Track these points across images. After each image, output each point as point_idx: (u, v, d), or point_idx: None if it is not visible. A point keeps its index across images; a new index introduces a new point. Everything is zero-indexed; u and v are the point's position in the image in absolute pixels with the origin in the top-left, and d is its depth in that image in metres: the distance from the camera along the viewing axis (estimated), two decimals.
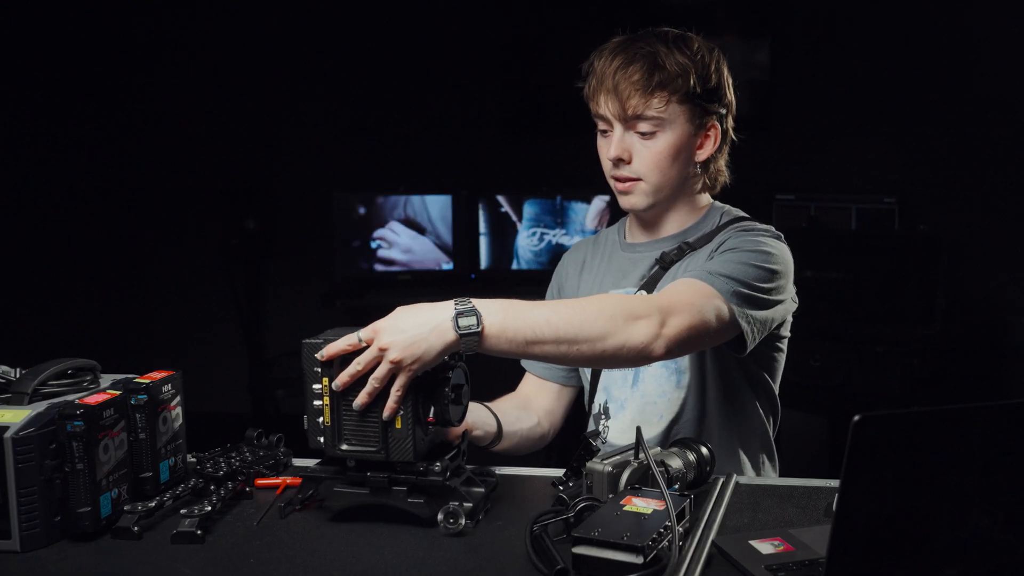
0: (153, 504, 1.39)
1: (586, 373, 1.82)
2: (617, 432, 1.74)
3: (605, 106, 1.64)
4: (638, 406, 1.72)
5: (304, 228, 4.60)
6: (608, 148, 1.66)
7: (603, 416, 1.77)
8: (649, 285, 1.68)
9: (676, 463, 1.42)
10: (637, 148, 1.64)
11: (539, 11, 4.49)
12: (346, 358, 1.34)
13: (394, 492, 1.37)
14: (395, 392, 1.32)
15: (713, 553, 1.25)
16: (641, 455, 1.38)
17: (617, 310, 1.40)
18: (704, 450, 1.48)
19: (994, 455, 0.98)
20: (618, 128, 1.65)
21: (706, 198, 1.76)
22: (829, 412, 3.42)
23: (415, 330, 1.33)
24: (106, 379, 1.48)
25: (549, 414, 1.84)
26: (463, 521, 1.33)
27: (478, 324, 1.32)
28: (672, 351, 1.43)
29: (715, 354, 1.66)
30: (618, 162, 1.65)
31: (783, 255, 1.63)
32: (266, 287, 4.76)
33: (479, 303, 1.34)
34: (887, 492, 0.96)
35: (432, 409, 1.35)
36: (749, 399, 1.73)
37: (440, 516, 1.33)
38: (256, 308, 4.75)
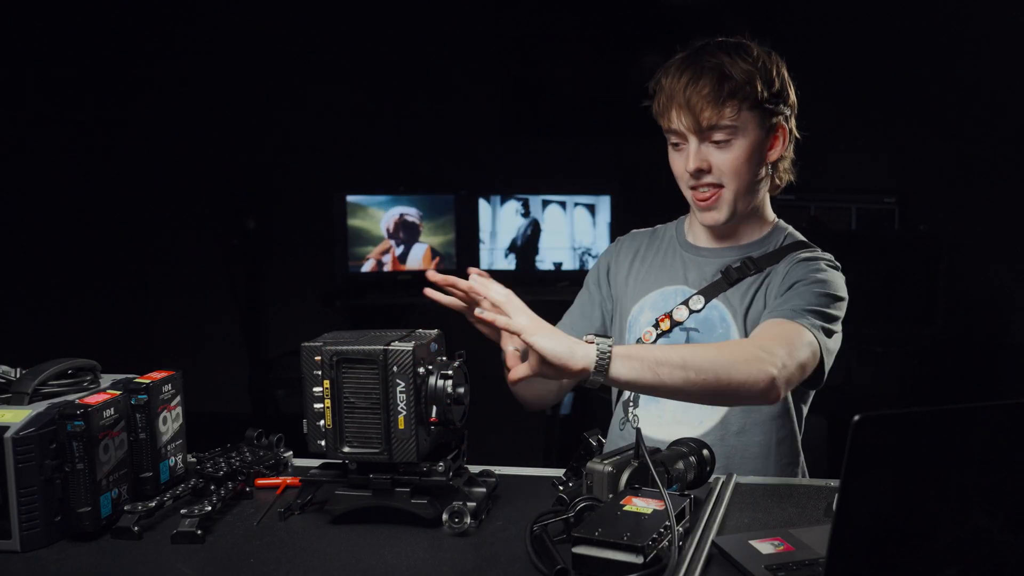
0: (153, 504, 1.39)
1: None
2: (649, 424, 1.74)
3: (678, 121, 1.67)
4: (680, 405, 1.70)
5: (304, 228, 4.60)
6: (685, 161, 1.69)
7: (632, 404, 1.78)
8: (709, 293, 1.72)
9: (676, 463, 1.42)
10: (714, 157, 1.68)
11: (540, 11, 4.49)
12: (349, 360, 1.34)
13: (397, 493, 1.37)
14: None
15: (713, 553, 1.25)
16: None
17: (740, 351, 1.50)
18: (704, 450, 1.48)
19: (994, 455, 0.98)
20: (693, 141, 1.68)
21: (770, 212, 1.81)
22: (829, 412, 3.42)
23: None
24: (106, 379, 1.49)
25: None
26: (468, 520, 1.33)
27: (609, 346, 1.39)
28: (785, 392, 1.51)
29: None
30: (698, 173, 1.69)
31: (843, 285, 1.70)
32: (266, 287, 4.76)
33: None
34: (887, 492, 0.96)
35: (434, 409, 1.35)
36: (790, 416, 1.75)
37: (445, 516, 1.34)
38: (256, 308, 4.75)
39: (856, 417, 0.92)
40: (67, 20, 4.44)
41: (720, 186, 1.69)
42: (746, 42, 1.73)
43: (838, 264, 1.73)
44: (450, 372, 1.36)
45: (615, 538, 1.17)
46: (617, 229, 4.14)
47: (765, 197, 1.78)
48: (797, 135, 1.77)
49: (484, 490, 1.41)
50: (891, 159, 4.09)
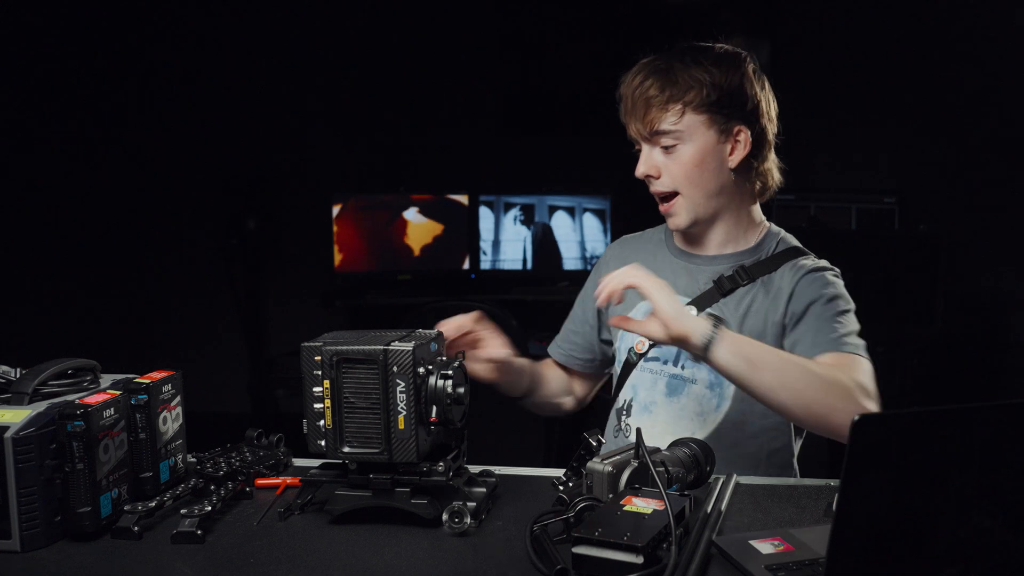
0: (153, 504, 1.39)
1: (615, 366, 1.84)
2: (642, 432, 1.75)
3: (632, 126, 1.69)
4: (671, 416, 1.72)
5: (304, 228, 4.60)
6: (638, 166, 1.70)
7: (624, 413, 1.79)
8: (701, 303, 1.70)
9: (676, 463, 1.42)
10: (664, 163, 1.68)
11: (539, 10, 4.49)
12: (349, 360, 1.35)
13: (397, 493, 1.37)
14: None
15: (713, 553, 1.25)
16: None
17: (837, 383, 1.47)
18: (704, 450, 1.48)
19: (994, 455, 0.98)
20: (644, 146, 1.69)
21: (759, 214, 1.79)
22: None
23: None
24: (106, 379, 1.48)
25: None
26: (468, 520, 1.33)
27: (718, 324, 1.44)
28: None
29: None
30: (647, 178, 1.70)
31: (847, 293, 1.68)
32: (266, 287, 4.76)
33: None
34: (887, 492, 0.96)
35: (434, 409, 1.35)
36: (787, 427, 1.74)
37: (445, 516, 1.34)
38: (256, 308, 4.75)
39: (856, 417, 0.92)
40: (68, 20, 4.44)
41: (676, 192, 1.69)
42: (714, 45, 1.70)
43: (837, 269, 1.72)
44: (450, 372, 1.36)
45: (615, 538, 1.17)
46: (617, 230, 4.14)
47: (753, 203, 1.77)
48: (773, 140, 1.75)
49: (484, 490, 1.41)
50: (891, 159, 4.09)
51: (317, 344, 1.37)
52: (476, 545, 1.31)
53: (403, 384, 1.33)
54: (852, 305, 1.65)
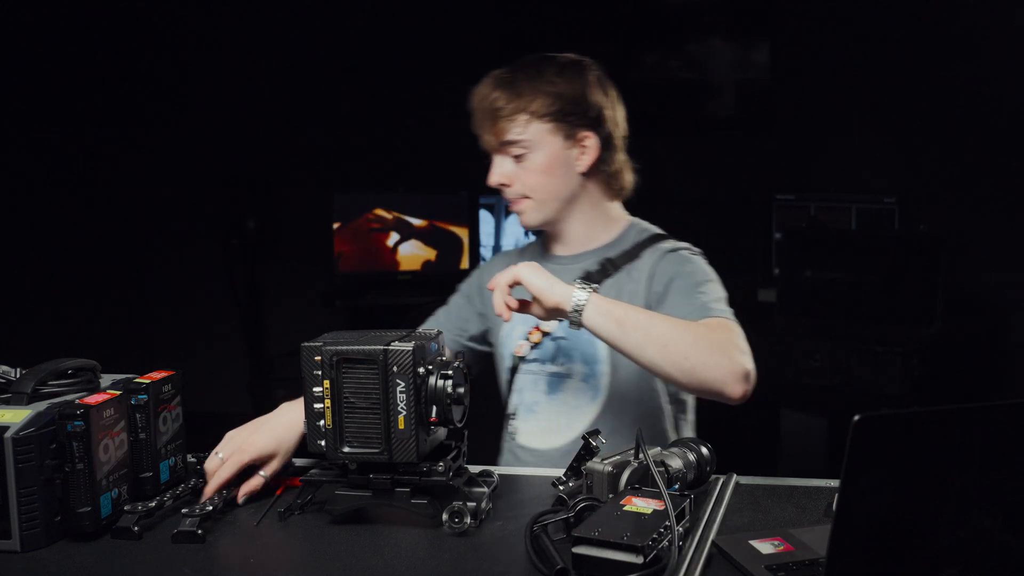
0: (153, 504, 1.39)
1: (503, 373, 1.87)
2: (526, 434, 1.81)
3: (483, 137, 1.74)
4: (552, 413, 1.77)
5: (304, 228, 4.59)
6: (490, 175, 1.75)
7: (512, 417, 1.84)
8: None
9: (676, 463, 1.42)
10: (515, 172, 1.74)
11: (539, 10, 4.49)
12: (349, 360, 1.35)
13: (397, 493, 1.37)
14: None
15: (713, 553, 1.25)
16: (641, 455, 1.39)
17: (710, 336, 1.52)
18: (704, 450, 1.48)
19: (994, 455, 0.98)
20: (496, 156, 1.75)
21: (619, 210, 1.84)
22: (829, 412, 3.43)
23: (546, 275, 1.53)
24: (106, 379, 1.48)
25: None
26: (468, 520, 1.33)
27: (587, 288, 1.51)
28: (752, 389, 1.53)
29: (639, 374, 1.70)
30: (502, 187, 1.75)
31: (711, 269, 1.74)
32: (266, 287, 4.76)
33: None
34: (887, 492, 0.96)
35: (434, 409, 1.35)
36: (661, 415, 1.78)
37: (445, 516, 1.34)
38: (256, 308, 4.75)
39: (856, 417, 0.92)
40: (68, 20, 4.44)
41: (526, 196, 1.75)
42: (558, 55, 1.76)
43: (699, 250, 1.77)
44: (450, 372, 1.36)
45: (615, 538, 1.17)
46: None
47: (611, 201, 1.81)
48: (622, 143, 1.79)
49: (484, 490, 1.41)
50: (891, 159, 4.09)
51: (317, 344, 1.37)
52: (476, 545, 1.31)
53: (403, 384, 1.33)
54: (714, 276, 1.71)
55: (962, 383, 3.59)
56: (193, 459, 1.57)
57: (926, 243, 3.56)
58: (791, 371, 3.38)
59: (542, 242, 1.89)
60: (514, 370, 1.84)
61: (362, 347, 1.35)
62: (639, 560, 1.15)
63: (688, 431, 1.82)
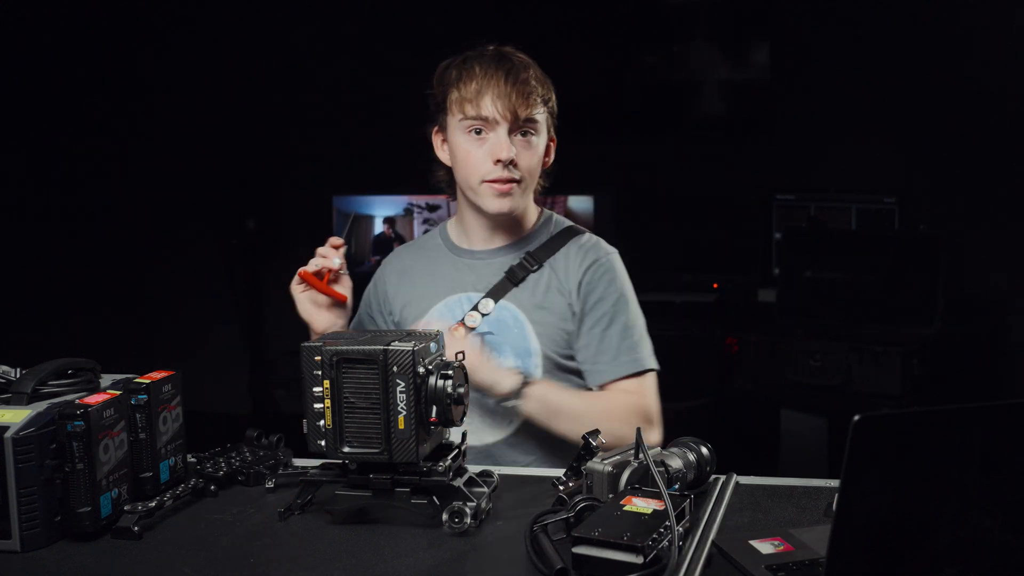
0: (153, 504, 1.39)
1: None
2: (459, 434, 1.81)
3: (492, 107, 1.72)
4: (480, 413, 1.76)
5: (304, 228, 4.59)
6: (495, 149, 1.72)
7: None
8: (496, 294, 1.78)
9: (676, 463, 1.42)
10: (520, 151, 1.73)
11: (539, 10, 4.48)
12: (349, 360, 1.34)
13: (397, 493, 1.37)
14: None
15: (713, 553, 1.25)
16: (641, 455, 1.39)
17: (629, 413, 1.70)
18: (704, 450, 1.48)
19: (994, 455, 0.98)
20: (503, 130, 1.72)
21: (535, 207, 1.87)
22: (829, 412, 3.42)
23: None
24: (106, 379, 1.49)
25: None
26: (468, 520, 1.33)
27: (526, 383, 1.67)
28: None
29: (562, 371, 1.78)
30: (509, 163, 1.73)
31: (627, 277, 1.82)
32: (266, 287, 4.75)
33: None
34: (887, 492, 0.96)
35: (434, 409, 1.35)
36: None
37: (445, 516, 1.34)
38: (256, 308, 4.75)
39: (856, 417, 0.92)
40: (68, 20, 4.44)
41: (518, 180, 1.75)
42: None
43: (615, 249, 1.82)
44: (450, 372, 1.36)
45: (615, 538, 1.17)
46: (616, 230, 4.13)
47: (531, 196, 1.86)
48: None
49: (484, 490, 1.42)
50: (891, 159, 4.09)
51: (317, 344, 1.37)
52: (476, 545, 1.31)
53: (403, 384, 1.33)
54: (632, 294, 1.80)
55: (962, 383, 3.59)
56: (193, 459, 1.57)
57: (926, 243, 3.56)
58: (791, 371, 3.39)
59: (444, 235, 1.90)
60: None
61: (362, 347, 1.35)
62: (639, 560, 1.15)
63: None
